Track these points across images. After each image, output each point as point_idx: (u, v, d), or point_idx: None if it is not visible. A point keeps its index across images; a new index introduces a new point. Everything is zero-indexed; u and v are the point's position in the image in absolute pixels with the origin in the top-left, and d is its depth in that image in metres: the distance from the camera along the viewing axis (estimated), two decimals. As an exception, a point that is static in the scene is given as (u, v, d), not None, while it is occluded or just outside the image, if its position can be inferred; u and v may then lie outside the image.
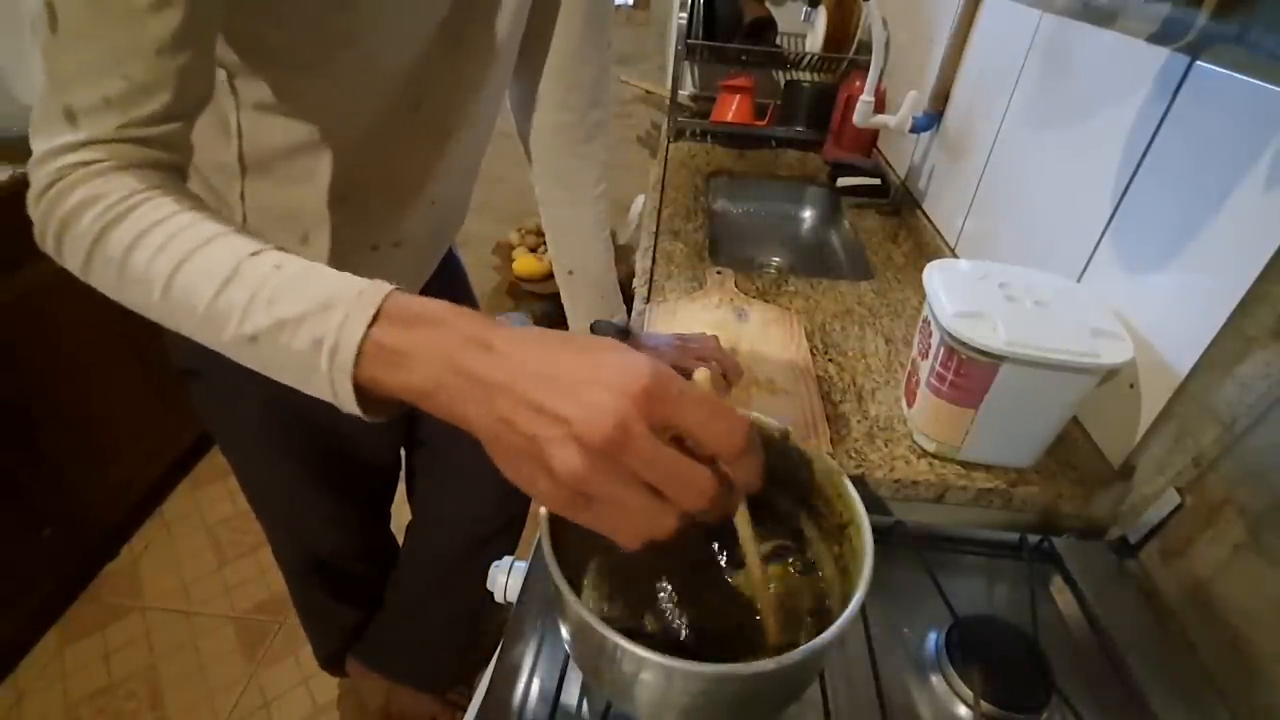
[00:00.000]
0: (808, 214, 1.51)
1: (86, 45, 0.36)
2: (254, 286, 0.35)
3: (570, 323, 0.85)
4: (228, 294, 0.35)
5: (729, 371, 0.74)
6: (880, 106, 1.23)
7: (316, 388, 0.34)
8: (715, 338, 0.77)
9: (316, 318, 0.33)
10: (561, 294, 0.85)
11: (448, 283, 0.91)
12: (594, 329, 0.80)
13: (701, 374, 0.32)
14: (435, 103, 0.62)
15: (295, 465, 0.88)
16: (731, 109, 1.62)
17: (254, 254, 0.36)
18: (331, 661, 1.22)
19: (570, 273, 0.82)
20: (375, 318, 0.32)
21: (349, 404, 0.34)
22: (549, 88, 0.73)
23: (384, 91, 0.58)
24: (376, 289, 0.34)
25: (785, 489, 0.49)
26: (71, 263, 0.39)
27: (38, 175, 0.38)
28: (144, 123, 0.38)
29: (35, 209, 0.38)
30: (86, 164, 0.37)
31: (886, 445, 0.73)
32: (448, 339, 0.31)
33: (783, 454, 0.47)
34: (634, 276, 1.06)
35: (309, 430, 0.84)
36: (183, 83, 0.39)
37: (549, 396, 0.27)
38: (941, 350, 0.65)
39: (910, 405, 0.74)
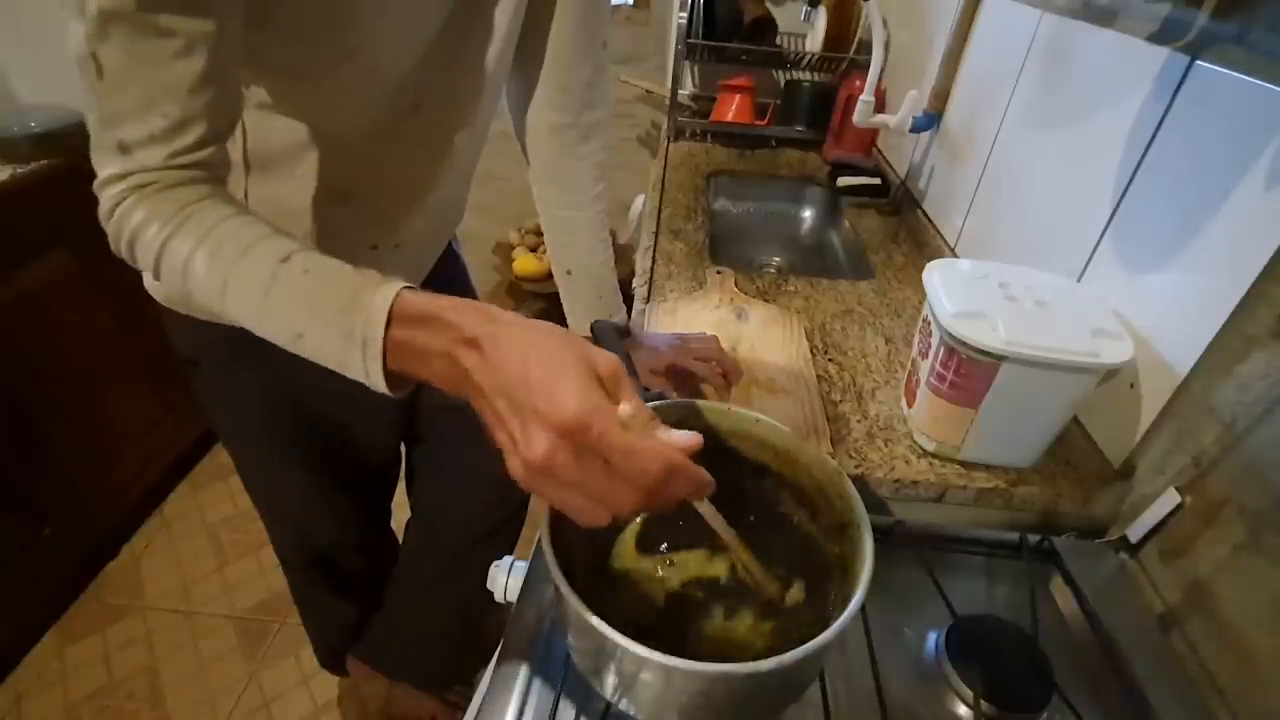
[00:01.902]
0: (808, 214, 1.51)
1: (129, 89, 0.41)
2: (290, 290, 0.41)
3: (570, 323, 0.85)
4: (271, 300, 0.42)
5: (729, 371, 0.74)
6: (880, 106, 1.23)
7: (355, 374, 0.41)
8: (715, 338, 0.77)
9: (345, 316, 0.40)
10: (561, 294, 0.85)
11: (448, 279, 0.91)
12: (594, 329, 0.80)
13: (624, 410, 0.35)
14: (433, 107, 0.63)
15: (294, 457, 0.88)
16: (731, 109, 1.62)
17: (284, 260, 0.42)
18: (331, 659, 1.22)
19: (569, 273, 0.82)
20: (390, 318, 0.38)
21: (380, 388, 0.41)
22: (543, 89, 0.72)
23: (383, 97, 0.59)
24: (389, 289, 0.39)
25: (788, 491, 0.49)
26: (144, 269, 0.45)
27: (104, 196, 0.44)
28: (186, 151, 0.43)
29: (107, 224, 0.44)
30: (143, 186, 0.43)
31: (886, 445, 0.73)
32: (449, 339, 0.37)
33: (787, 455, 0.47)
34: (634, 276, 1.06)
35: (308, 422, 0.84)
36: (214, 113, 0.44)
37: (509, 415, 0.35)
38: (941, 350, 0.65)
39: (910, 405, 0.73)
